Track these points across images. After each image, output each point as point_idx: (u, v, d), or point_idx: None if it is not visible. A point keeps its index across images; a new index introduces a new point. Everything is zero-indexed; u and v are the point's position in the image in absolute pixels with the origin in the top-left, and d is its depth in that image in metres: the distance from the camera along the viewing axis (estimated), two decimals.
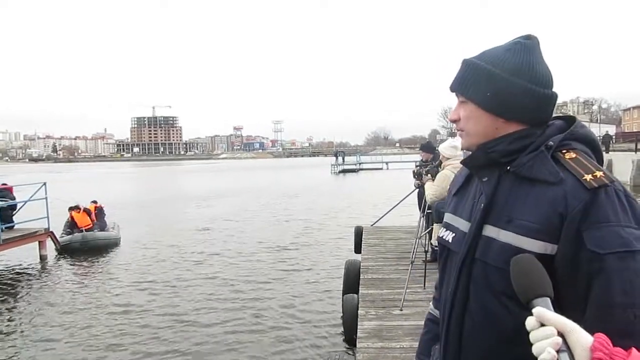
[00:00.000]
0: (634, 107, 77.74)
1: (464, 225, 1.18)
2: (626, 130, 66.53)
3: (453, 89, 1.18)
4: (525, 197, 1.06)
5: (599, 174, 1.00)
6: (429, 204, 5.45)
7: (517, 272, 0.88)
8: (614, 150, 27.84)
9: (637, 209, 0.99)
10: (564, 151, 1.07)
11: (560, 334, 0.76)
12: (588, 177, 1.00)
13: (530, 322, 0.79)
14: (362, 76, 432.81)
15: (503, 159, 1.11)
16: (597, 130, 44.55)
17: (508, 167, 1.11)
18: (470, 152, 1.19)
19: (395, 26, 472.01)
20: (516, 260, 0.90)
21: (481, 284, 1.09)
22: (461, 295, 1.13)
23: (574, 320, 0.79)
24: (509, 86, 1.10)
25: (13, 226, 11.28)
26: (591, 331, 0.78)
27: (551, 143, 1.08)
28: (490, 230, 1.09)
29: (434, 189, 5.27)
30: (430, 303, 1.46)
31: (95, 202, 13.47)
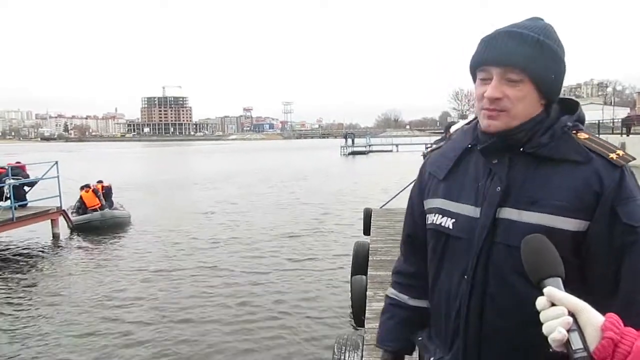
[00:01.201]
0: None
1: (469, 210, 1.13)
2: (630, 114, 65.38)
3: (510, 62, 1.04)
4: (548, 177, 1.06)
5: (620, 152, 1.05)
6: None
7: (528, 252, 0.89)
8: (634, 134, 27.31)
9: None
10: (574, 132, 1.09)
11: (571, 314, 0.77)
12: (614, 155, 1.04)
13: (540, 301, 0.80)
14: (372, 58, 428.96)
15: (522, 142, 1.09)
16: (611, 113, 43.69)
17: (521, 149, 1.09)
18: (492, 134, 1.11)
19: (407, 8, 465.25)
20: (527, 240, 0.90)
21: (505, 267, 1.07)
22: (480, 280, 1.10)
23: (601, 302, 0.80)
24: (563, 68, 1.09)
25: (26, 204, 11.45)
26: (626, 306, 0.82)
27: (569, 124, 1.09)
28: (508, 213, 1.07)
29: None
30: (391, 288, 1.42)
31: (101, 181, 13.49)
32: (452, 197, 1.18)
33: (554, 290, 0.79)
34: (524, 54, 1.04)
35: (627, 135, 26.86)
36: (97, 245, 11.08)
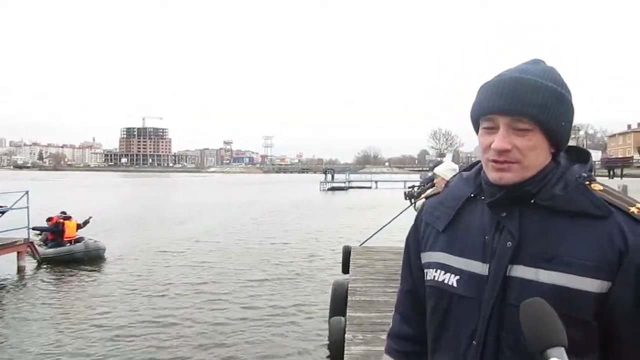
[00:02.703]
0: (619, 134, 79.46)
1: (475, 266, 1.02)
2: (611, 156, 68.00)
3: (520, 112, 0.96)
4: (565, 232, 0.96)
5: (639, 205, 0.97)
6: None
7: (529, 319, 0.82)
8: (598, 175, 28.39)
9: None
10: (587, 183, 1.00)
11: None
12: (634, 209, 0.95)
13: None
14: (353, 96, 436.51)
15: (532, 193, 1.00)
16: None
17: (532, 200, 0.99)
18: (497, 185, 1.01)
19: (385, 46, 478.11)
20: (527, 305, 0.83)
21: (520, 332, 0.94)
22: (492, 346, 0.98)
23: None
24: (572, 113, 1.02)
25: None
26: None
27: (584, 174, 1.00)
28: (522, 271, 0.97)
29: None
30: (387, 355, 1.24)
31: (64, 213, 12.91)
32: (455, 252, 1.06)
33: None
34: (535, 102, 0.95)
35: (621, 178, 27.72)
36: (62, 282, 10.52)
